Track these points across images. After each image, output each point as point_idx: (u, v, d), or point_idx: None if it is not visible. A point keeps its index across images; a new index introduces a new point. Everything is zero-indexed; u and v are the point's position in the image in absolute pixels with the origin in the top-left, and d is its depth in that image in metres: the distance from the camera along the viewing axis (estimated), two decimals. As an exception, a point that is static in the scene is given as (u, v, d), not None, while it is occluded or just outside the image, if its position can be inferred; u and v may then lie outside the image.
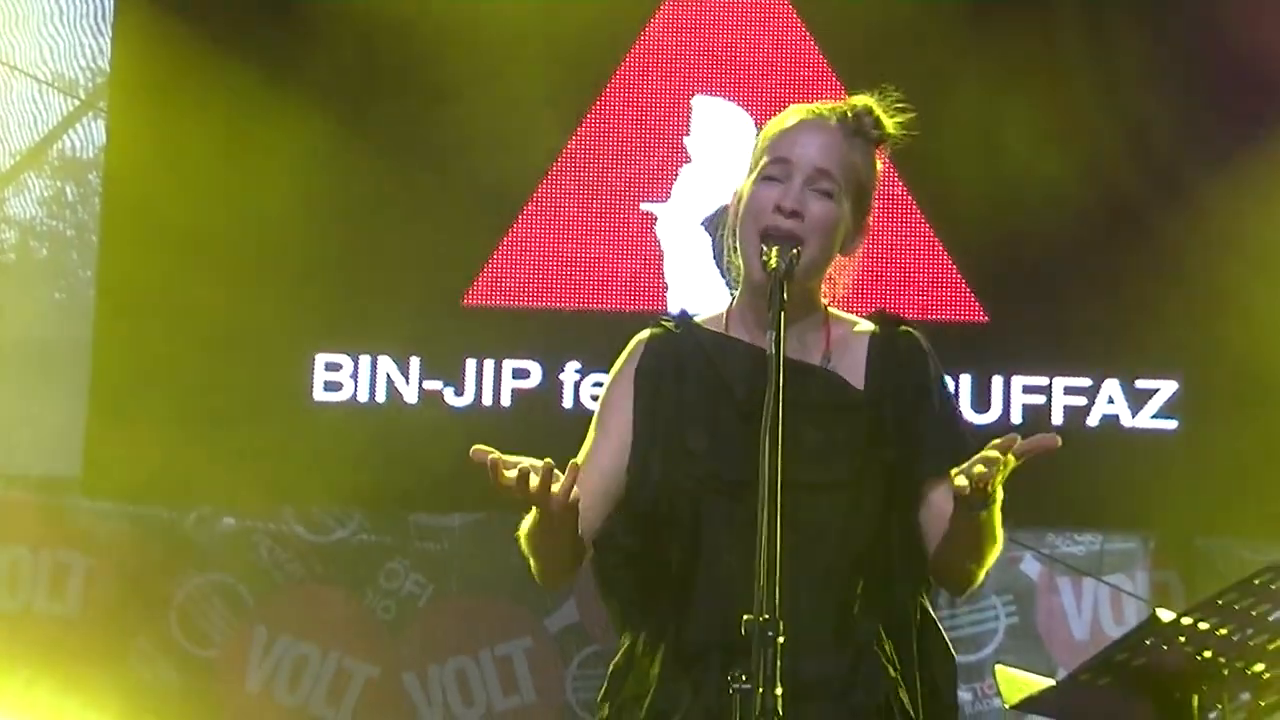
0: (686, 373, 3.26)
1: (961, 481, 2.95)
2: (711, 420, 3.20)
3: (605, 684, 3.26)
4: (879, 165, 3.31)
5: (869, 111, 3.28)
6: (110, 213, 6.71)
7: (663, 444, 3.21)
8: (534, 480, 2.94)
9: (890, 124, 3.29)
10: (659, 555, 3.18)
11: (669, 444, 3.21)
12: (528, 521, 3.18)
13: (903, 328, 3.32)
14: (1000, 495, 3.07)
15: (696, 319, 3.35)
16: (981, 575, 3.21)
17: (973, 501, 3.01)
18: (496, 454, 2.94)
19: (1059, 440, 3.02)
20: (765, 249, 3.14)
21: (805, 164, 3.21)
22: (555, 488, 2.95)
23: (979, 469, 2.95)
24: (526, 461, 2.95)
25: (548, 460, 2.97)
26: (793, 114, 3.29)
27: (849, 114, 3.27)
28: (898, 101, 3.33)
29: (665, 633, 3.18)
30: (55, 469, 6.83)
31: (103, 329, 6.63)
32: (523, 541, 3.22)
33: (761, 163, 3.25)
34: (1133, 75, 6.46)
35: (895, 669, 3.18)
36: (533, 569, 3.26)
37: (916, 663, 3.22)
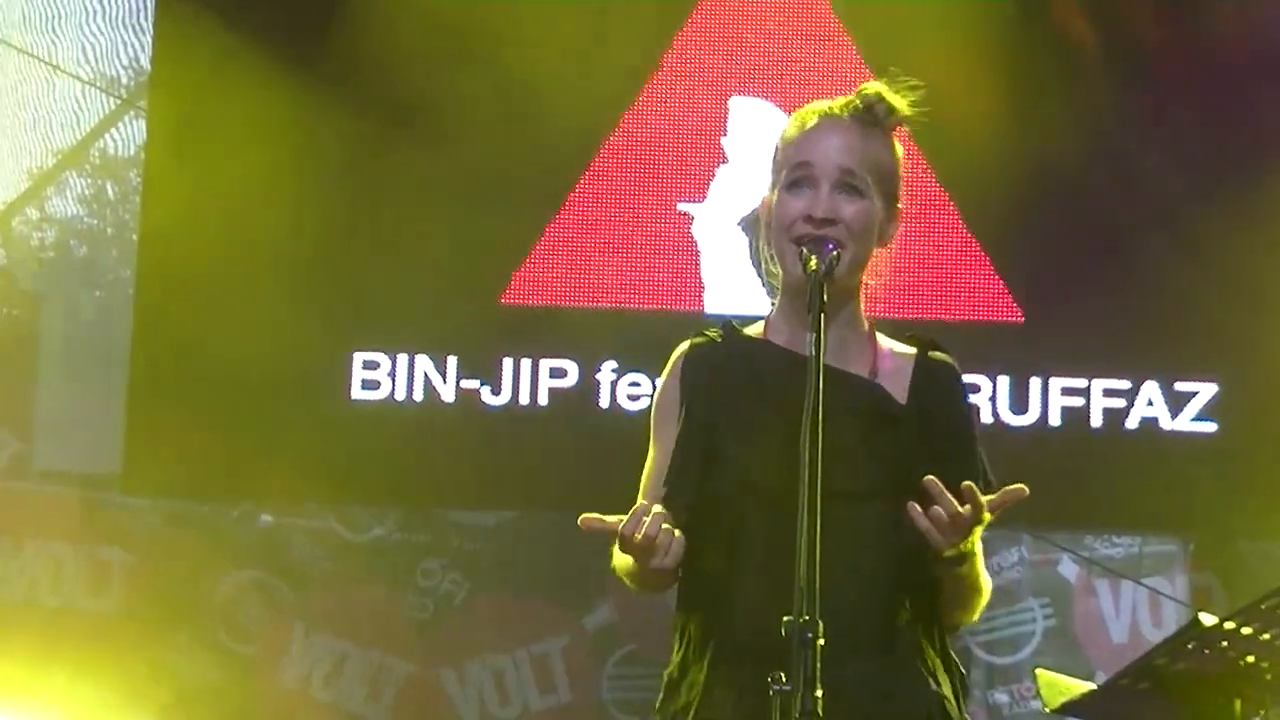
0: (728, 381, 3.25)
1: (924, 526, 2.97)
2: (752, 428, 3.19)
3: (661, 693, 3.26)
4: (899, 148, 3.30)
5: (880, 98, 3.25)
6: (150, 211, 6.73)
7: (701, 451, 3.21)
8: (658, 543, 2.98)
9: (903, 105, 3.27)
10: (701, 563, 3.17)
11: (708, 451, 3.20)
12: (619, 551, 3.17)
13: (941, 355, 3.30)
14: (979, 550, 3.08)
15: (740, 328, 3.34)
16: (970, 620, 3.23)
17: (950, 561, 3.03)
18: (609, 521, 2.98)
19: (1026, 491, 3.04)
20: (804, 252, 3.14)
21: (829, 166, 3.20)
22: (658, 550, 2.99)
23: (940, 515, 2.96)
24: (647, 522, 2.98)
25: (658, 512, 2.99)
26: (805, 116, 3.27)
27: (860, 105, 3.25)
28: (904, 82, 3.31)
29: (709, 641, 3.17)
30: (95, 466, 6.86)
31: (142, 327, 6.65)
32: (617, 571, 3.21)
33: (785, 171, 3.24)
34: (1172, 77, 6.44)
35: (935, 681, 3.17)
36: (630, 587, 3.25)
37: (953, 673, 3.22)
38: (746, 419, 3.21)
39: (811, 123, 3.25)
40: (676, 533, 3.01)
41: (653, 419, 3.31)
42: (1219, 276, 6.38)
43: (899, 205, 3.28)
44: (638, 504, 3.04)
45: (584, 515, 3.02)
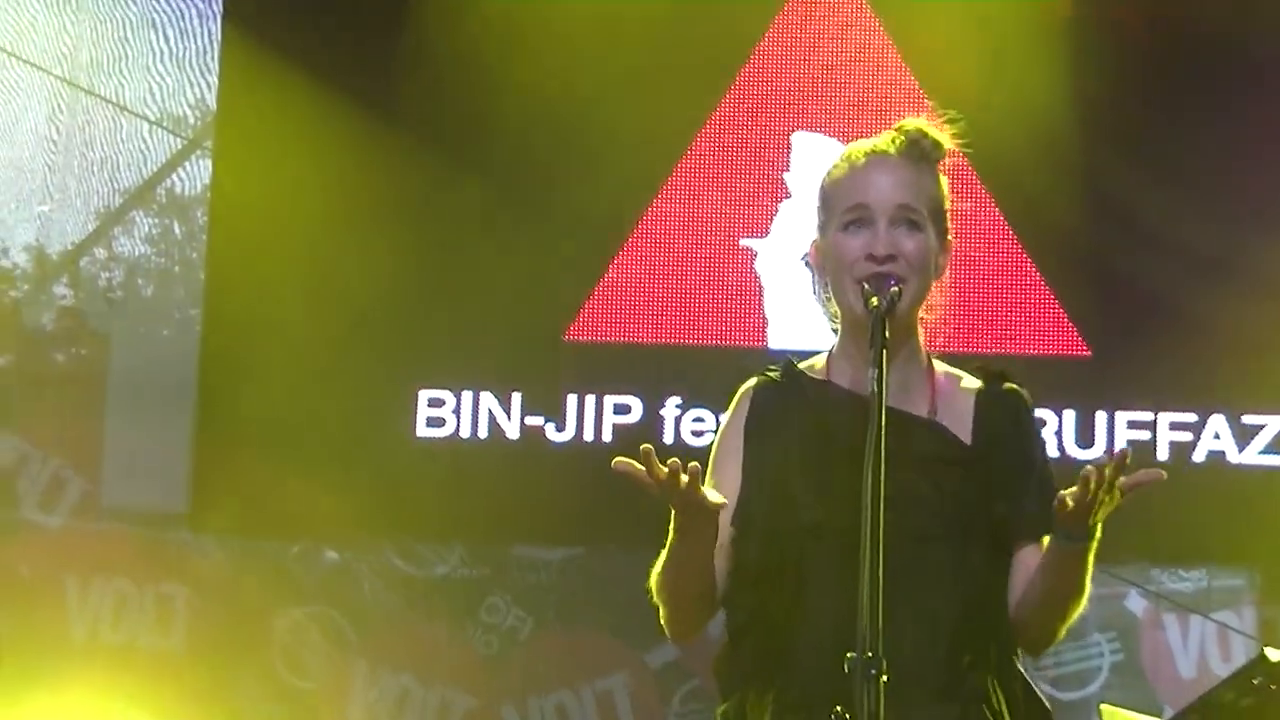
0: (791, 422, 3.24)
1: (1067, 502, 2.95)
2: (816, 469, 3.18)
3: None
4: (944, 180, 3.30)
5: (923, 133, 3.26)
6: (216, 250, 6.79)
7: (768, 494, 3.20)
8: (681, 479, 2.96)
9: (945, 139, 3.28)
10: (765, 603, 3.16)
11: (774, 494, 3.20)
12: (658, 565, 3.17)
13: (1008, 385, 3.29)
14: (1099, 534, 3.05)
15: (800, 365, 3.34)
16: (1062, 634, 3.20)
17: (1072, 530, 2.99)
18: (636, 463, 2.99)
19: (1164, 474, 3.01)
20: (866, 287, 3.13)
21: (885, 204, 3.20)
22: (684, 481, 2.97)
23: (1082, 491, 2.95)
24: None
25: (674, 461, 2.97)
26: (851, 156, 3.27)
27: (906, 141, 3.25)
28: (943, 115, 3.31)
29: (773, 683, 3.16)
30: (162, 505, 6.90)
31: (208, 366, 6.70)
32: (654, 589, 3.20)
33: (839, 214, 3.23)
34: (1234, 111, 6.41)
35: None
36: (663, 618, 3.23)
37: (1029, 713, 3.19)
38: (811, 461, 3.20)
39: (860, 162, 3.25)
40: (719, 498, 3.01)
41: (713, 455, 3.31)
42: (1286, 309, 6.35)
43: (950, 238, 3.28)
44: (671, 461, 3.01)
45: (618, 459, 3.03)
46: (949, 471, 3.18)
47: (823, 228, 3.28)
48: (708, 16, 6.63)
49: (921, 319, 3.26)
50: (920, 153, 3.24)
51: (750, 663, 3.20)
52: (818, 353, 3.35)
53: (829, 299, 3.27)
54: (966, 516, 3.15)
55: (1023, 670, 3.26)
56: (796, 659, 3.13)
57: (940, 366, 3.30)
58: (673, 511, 3.05)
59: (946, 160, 3.28)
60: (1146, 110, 6.44)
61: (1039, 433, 3.31)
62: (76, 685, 6.71)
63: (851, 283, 3.18)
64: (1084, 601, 3.16)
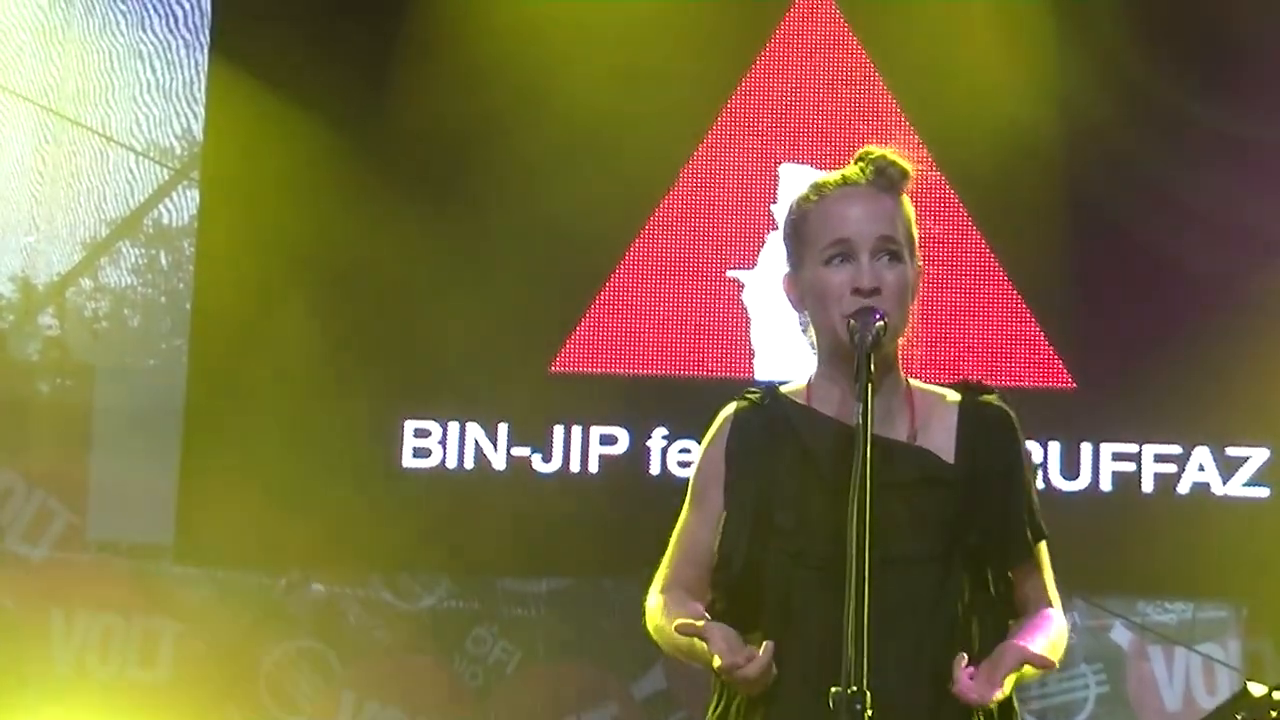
0: (774, 448, 3.25)
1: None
2: (799, 497, 3.19)
3: None
4: (910, 206, 3.30)
5: (889, 161, 3.26)
6: (203, 280, 6.78)
7: (751, 521, 3.20)
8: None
9: (909, 165, 3.28)
10: (750, 631, 3.16)
11: (757, 521, 3.20)
12: (666, 618, 3.19)
13: (989, 398, 3.30)
14: (1024, 672, 3.06)
15: (782, 389, 3.34)
16: (1053, 668, 3.21)
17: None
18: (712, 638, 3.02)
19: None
20: (852, 323, 3.14)
21: (865, 236, 3.20)
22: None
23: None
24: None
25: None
26: (823, 189, 3.27)
27: (875, 171, 3.25)
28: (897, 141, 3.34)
29: (756, 710, 3.16)
30: (148, 537, 6.89)
31: (194, 397, 6.69)
32: (655, 631, 3.24)
33: (818, 248, 3.23)
34: (1228, 141, 6.42)
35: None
36: (655, 641, 3.27)
37: None
38: (795, 488, 3.20)
39: (832, 194, 3.25)
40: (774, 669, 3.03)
41: (694, 479, 3.32)
42: (1271, 341, 6.36)
43: (920, 263, 3.29)
44: (726, 632, 3.04)
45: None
46: (930, 494, 3.19)
47: (797, 261, 3.28)
48: (696, 49, 6.64)
49: (900, 345, 3.27)
50: (888, 181, 3.25)
51: (731, 691, 3.20)
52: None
53: (807, 328, 3.28)
54: (948, 538, 3.16)
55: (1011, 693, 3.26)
56: (781, 688, 3.13)
57: (919, 387, 3.30)
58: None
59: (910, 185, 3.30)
60: (1138, 142, 6.44)
61: (1020, 444, 3.30)
62: (62, 718, 6.69)
63: (839, 318, 3.18)
64: (1062, 643, 3.19)
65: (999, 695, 3.02)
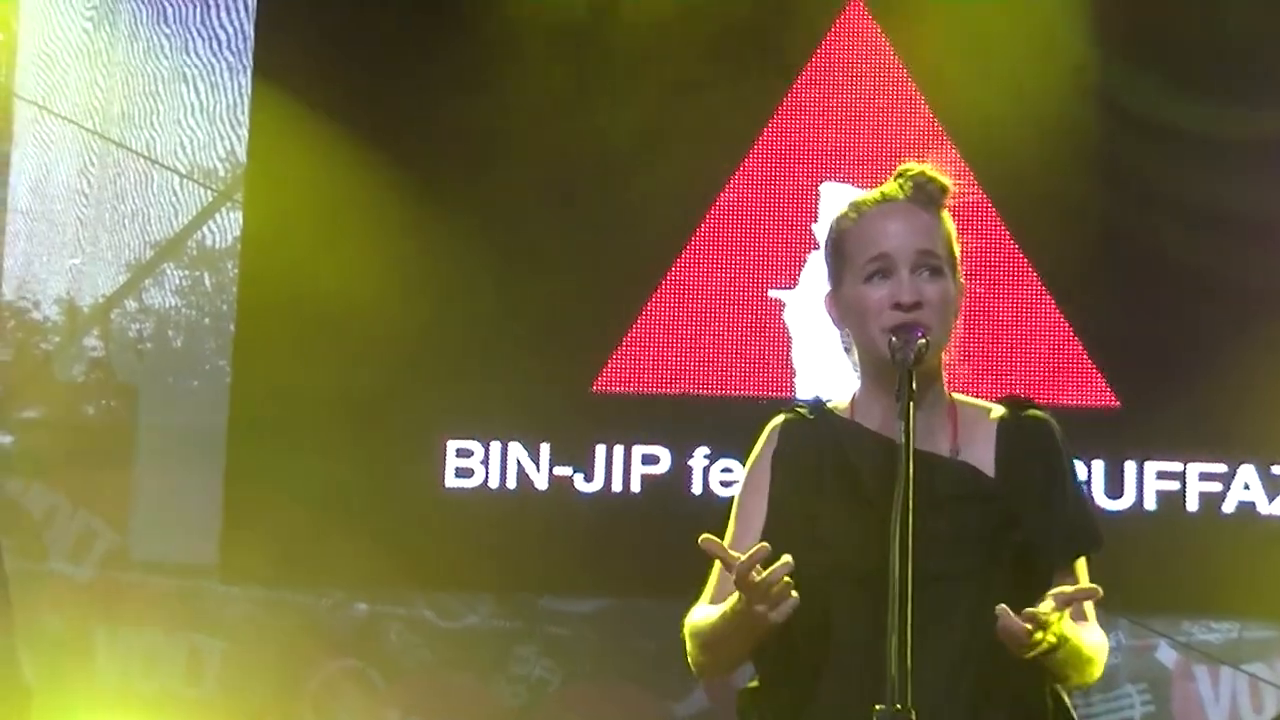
0: (819, 461, 3.25)
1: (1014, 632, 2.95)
2: (842, 511, 3.19)
3: None
4: (950, 222, 3.30)
5: (928, 178, 3.26)
6: (246, 302, 6.82)
7: (793, 531, 3.20)
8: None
9: (948, 181, 3.28)
10: (790, 645, 3.16)
11: (800, 534, 3.20)
12: (699, 615, 3.16)
13: (1032, 411, 3.29)
14: (1070, 635, 3.03)
15: (829, 405, 3.35)
16: (1090, 680, 3.18)
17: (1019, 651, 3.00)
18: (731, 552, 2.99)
19: (1099, 591, 3.03)
20: (894, 340, 3.14)
21: (906, 252, 3.20)
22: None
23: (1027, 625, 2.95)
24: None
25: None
26: (861, 206, 3.27)
27: (913, 186, 3.25)
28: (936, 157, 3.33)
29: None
30: (192, 557, 6.91)
31: (238, 417, 6.72)
32: (688, 634, 3.21)
33: (858, 265, 3.23)
34: (1270, 159, 6.40)
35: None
36: (695, 660, 3.23)
37: None
38: (839, 502, 3.21)
39: (871, 211, 3.26)
40: (794, 593, 2.99)
41: (740, 488, 3.32)
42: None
43: (962, 279, 3.29)
44: (757, 547, 2.98)
45: (705, 536, 3.01)
46: (970, 508, 3.18)
47: (837, 279, 3.28)
48: (738, 68, 6.65)
49: (946, 370, 3.27)
50: (928, 196, 3.25)
51: (771, 703, 3.20)
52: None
53: (850, 349, 3.28)
54: (987, 552, 3.15)
55: (1065, 698, 3.24)
56: (823, 702, 3.12)
57: (962, 401, 3.30)
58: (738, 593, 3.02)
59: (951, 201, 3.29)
60: (1174, 162, 6.42)
61: (1069, 454, 3.29)
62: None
63: (880, 333, 3.18)
64: (1099, 662, 3.17)
65: (1044, 635, 2.97)
